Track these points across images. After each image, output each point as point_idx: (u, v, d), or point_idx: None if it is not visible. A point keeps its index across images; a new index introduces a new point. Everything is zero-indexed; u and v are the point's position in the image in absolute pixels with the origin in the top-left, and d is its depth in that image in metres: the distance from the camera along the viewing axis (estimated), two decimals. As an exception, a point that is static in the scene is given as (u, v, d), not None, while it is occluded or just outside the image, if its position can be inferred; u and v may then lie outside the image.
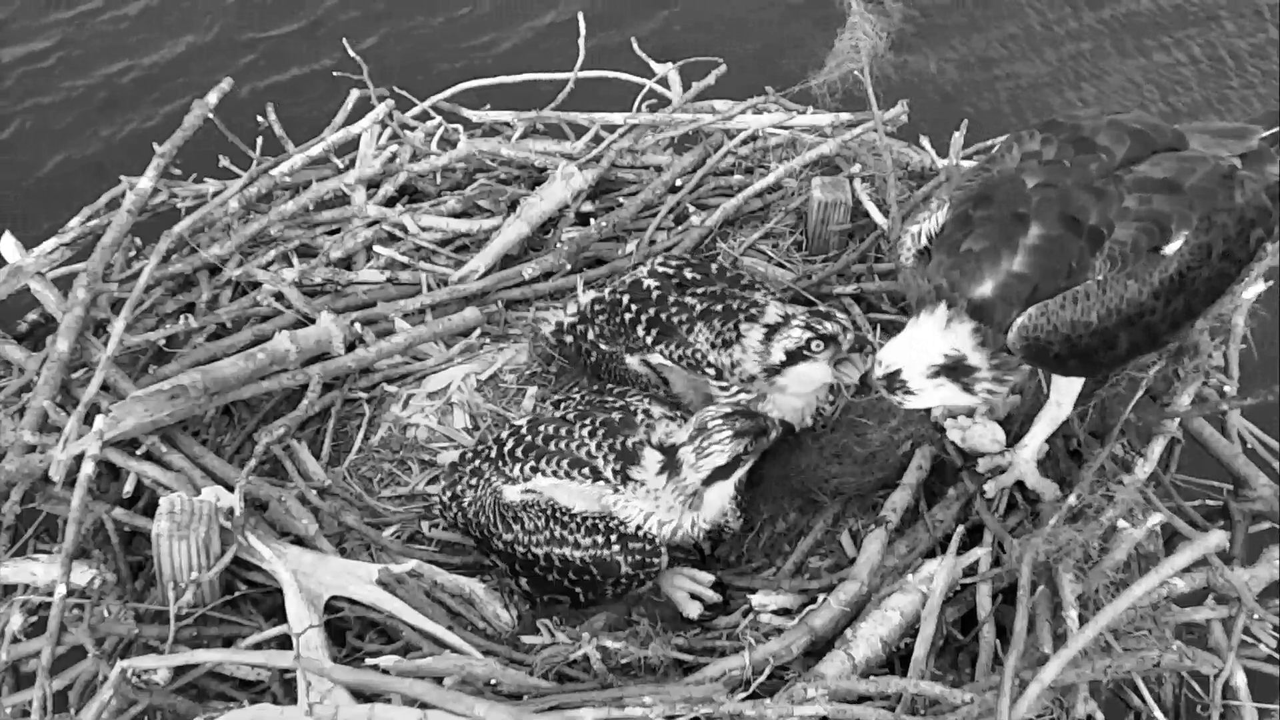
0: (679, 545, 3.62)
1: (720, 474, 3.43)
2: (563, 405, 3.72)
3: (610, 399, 3.68)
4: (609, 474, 3.45)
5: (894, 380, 3.27)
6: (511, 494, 3.53)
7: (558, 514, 3.47)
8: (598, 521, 3.44)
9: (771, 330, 3.70)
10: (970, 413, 3.74)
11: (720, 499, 3.51)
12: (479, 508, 3.59)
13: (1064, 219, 3.08)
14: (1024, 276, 3.09)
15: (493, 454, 3.63)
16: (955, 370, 3.23)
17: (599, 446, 3.48)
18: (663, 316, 3.85)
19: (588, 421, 3.53)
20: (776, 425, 3.51)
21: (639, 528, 3.44)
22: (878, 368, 3.30)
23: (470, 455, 3.75)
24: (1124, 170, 3.17)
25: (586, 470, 3.46)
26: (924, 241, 3.31)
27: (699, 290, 3.88)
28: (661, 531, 3.46)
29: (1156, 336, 3.24)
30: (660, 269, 4.00)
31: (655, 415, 3.58)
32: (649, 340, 3.85)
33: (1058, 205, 3.10)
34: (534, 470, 3.51)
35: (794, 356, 3.66)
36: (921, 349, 3.24)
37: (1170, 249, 3.10)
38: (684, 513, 3.46)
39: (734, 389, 3.75)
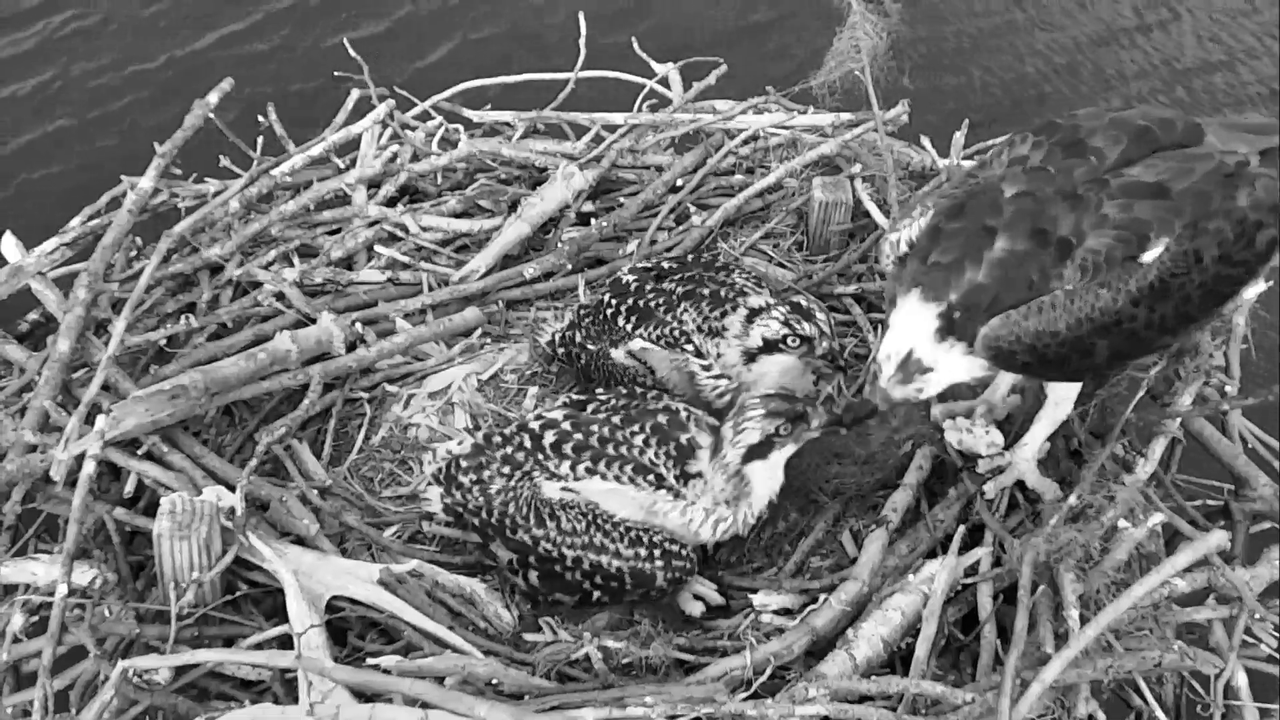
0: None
1: (755, 453, 3.38)
2: (592, 406, 3.61)
3: (652, 403, 3.59)
4: (671, 480, 3.43)
5: (911, 363, 3.24)
6: (550, 490, 3.48)
7: (599, 519, 3.42)
8: (641, 533, 3.41)
9: (754, 313, 3.75)
10: (969, 414, 3.75)
11: (768, 485, 3.47)
12: (508, 497, 3.51)
13: (1033, 233, 3.10)
14: (984, 287, 3.11)
15: (527, 444, 3.54)
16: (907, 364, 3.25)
17: (657, 454, 3.45)
18: (640, 304, 3.89)
19: (637, 428, 3.49)
20: (819, 412, 3.44)
21: (693, 532, 3.43)
22: (886, 363, 3.27)
23: (498, 440, 3.61)
24: (1113, 174, 3.15)
25: (651, 477, 3.43)
26: (904, 248, 3.33)
27: (676, 276, 3.94)
28: (717, 530, 3.45)
29: (1148, 342, 3.22)
30: (640, 265, 4.08)
31: (700, 414, 3.56)
32: (629, 328, 3.87)
33: (1029, 219, 3.11)
34: (589, 471, 3.45)
35: (770, 346, 3.71)
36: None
37: (1148, 256, 3.08)
38: (735, 504, 3.44)
39: (715, 370, 3.79)
